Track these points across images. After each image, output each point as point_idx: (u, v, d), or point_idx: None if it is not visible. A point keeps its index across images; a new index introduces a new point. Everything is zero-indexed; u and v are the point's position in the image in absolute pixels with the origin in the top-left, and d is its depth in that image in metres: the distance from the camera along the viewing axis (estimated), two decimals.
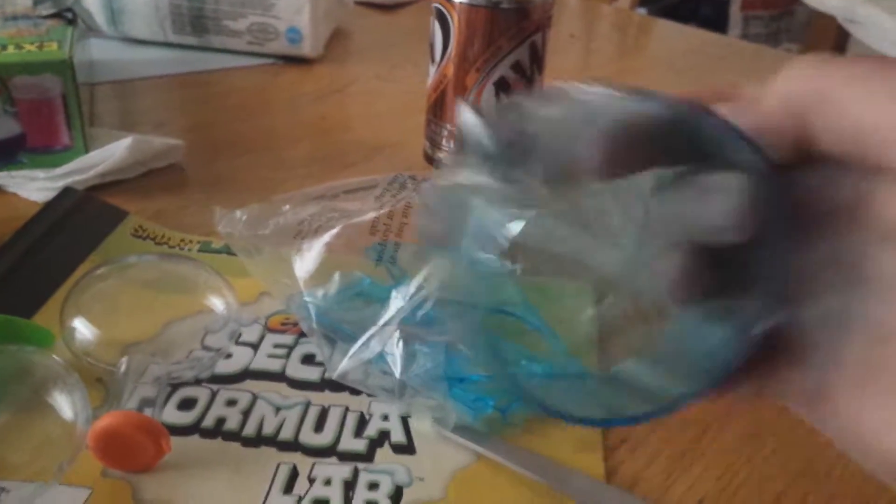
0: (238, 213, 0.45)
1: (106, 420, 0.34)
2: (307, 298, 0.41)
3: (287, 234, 0.43)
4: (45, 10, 0.65)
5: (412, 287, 0.39)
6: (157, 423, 0.35)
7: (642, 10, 1.84)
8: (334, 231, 0.42)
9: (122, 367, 0.37)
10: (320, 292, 0.41)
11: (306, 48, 0.84)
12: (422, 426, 0.38)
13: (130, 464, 0.35)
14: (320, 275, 0.41)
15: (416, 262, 0.41)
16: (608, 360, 0.43)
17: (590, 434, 0.39)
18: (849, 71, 0.18)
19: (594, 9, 1.40)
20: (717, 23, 2.26)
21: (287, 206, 0.45)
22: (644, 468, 0.38)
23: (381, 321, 0.39)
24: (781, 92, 0.19)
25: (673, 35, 1.21)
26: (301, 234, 0.43)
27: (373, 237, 0.42)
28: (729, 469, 0.38)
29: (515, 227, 0.23)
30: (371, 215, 0.43)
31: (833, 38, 2.32)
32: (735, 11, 2.48)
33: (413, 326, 0.38)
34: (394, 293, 0.39)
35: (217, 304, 0.42)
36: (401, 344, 0.38)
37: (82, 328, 0.39)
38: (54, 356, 0.36)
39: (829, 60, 0.19)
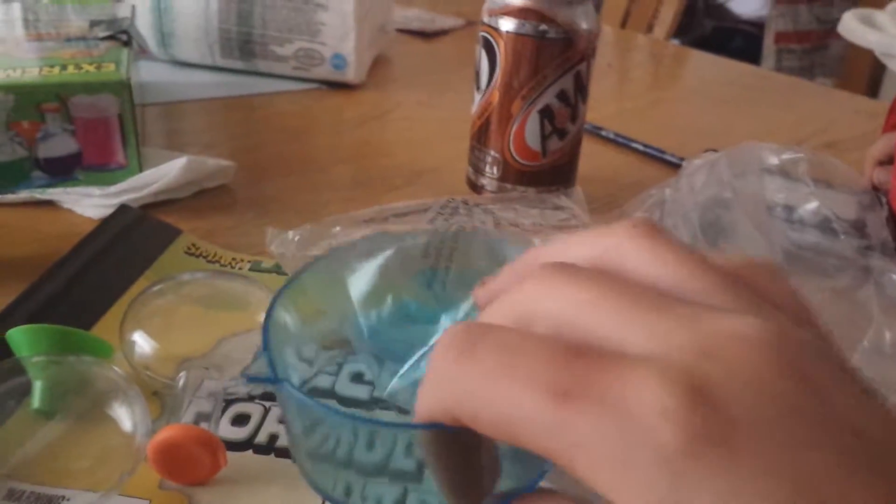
0: (290, 234, 0.46)
1: (165, 433, 0.35)
2: (361, 319, 0.41)
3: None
4: (102, 32, 0.68)
5: (461, 311, 0.39)
6: (214, 437, 0.35)
7: (675, 42, 1.85)
8: (388, 253, 0.42)
9: (181, 381, 0.38)
10: (373, 314, 0.42)
11: (350, 74, 0.85)
12: None
13: (188, 477, 0.35)
14: (373, 297, 0.42)
15: (465, 287, 0.42)
16: None
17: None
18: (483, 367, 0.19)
19: (629, 38, 1.41)
20: (750, 55, 2.26)
21: (338, 228, 0.46)
22: None
23: (432, 341, 0.39)
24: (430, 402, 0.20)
25: (707, 66, 1.22)
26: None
27: (425, 261, 0.43)
28: None
29: None
30: (424, 239, 0.44)
31: (868, 73, 2.31)
32: (769, 44, 2.48)
33: None
34: (443, 317, 0.40)
35: None
36: None
37: (141, 342, 0.40)
38: (115, 368, 0.37)
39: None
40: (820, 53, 2.54)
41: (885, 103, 1.01)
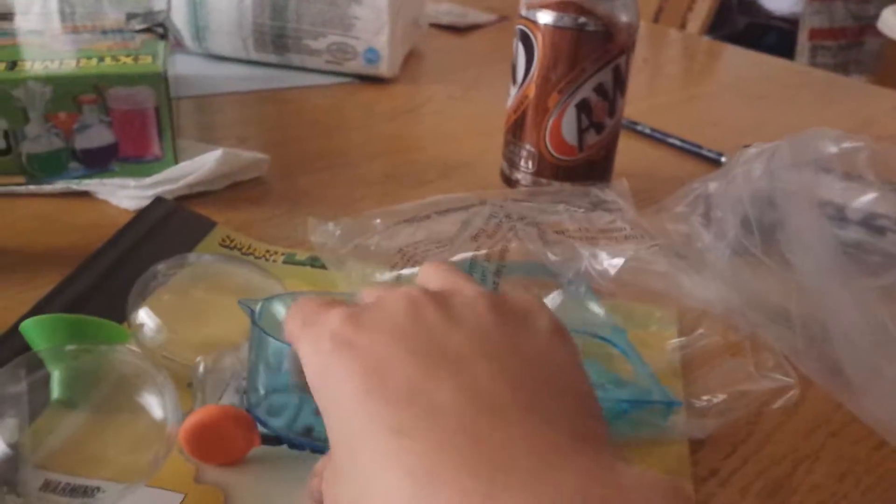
0: (331, 226, 0.46)
1: (196, 415, 0.35)
2: None
3: (386, 260, 0.44)
4: (138, 24, 0.68)
5: None
6: (245, 414, 0.35)
7: (708, 38, 1.83)
8: None
9: (201, 366, 0.37)
10: None
11: (383, 68, 0.85)
12: None
13: (222, 457, 0.35)
14: None
15: None
16: (693, 391, 0.42)
17: (679, 464, 0.38)
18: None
19: (663, 33, 1.39)
20: (783, 51, 2.23)
21: (378, 221, 0.45)
22: (735, 502, 0.37)
23: None
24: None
25: (742, 61, 1.20)
26: (397, 265, 0.44)
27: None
28: None
29: None
30: (469, 255, 0.43)
31: None
32: (803, 40, 2.44)
33: None
34: None
35: None
36: None
37: (152, 323, 0.40)
38: (138, 353, 0.37)
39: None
40: (855, 50, 2.49)
41: None
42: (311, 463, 0.35)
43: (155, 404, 0.35)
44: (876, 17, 1.91)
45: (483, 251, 0.45)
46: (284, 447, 0.37)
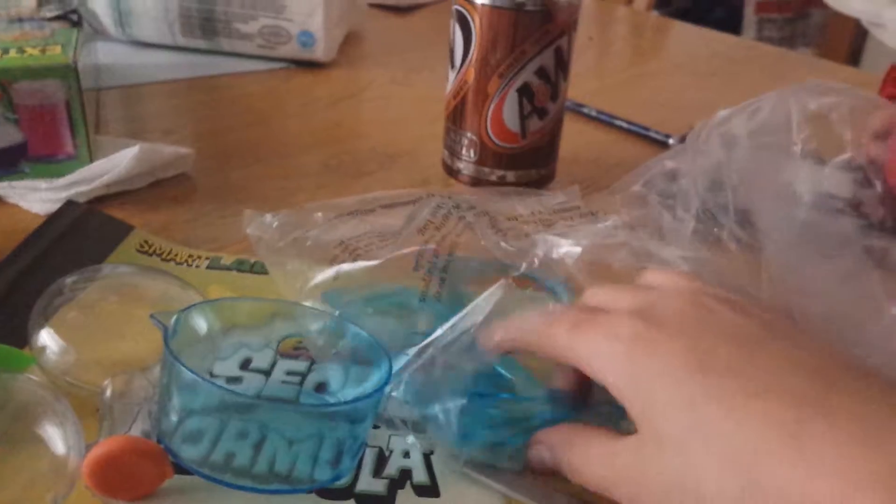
0: (269, 217, 0.44)
1: (101, 447, 0.31)
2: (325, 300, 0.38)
3: (325, 253, 0.42)
4: (50, 11, 0.63)
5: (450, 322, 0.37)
6: (156, 445, 0.32)
7: (655, 13, 1.81)
8: (374, 263, 0.40)
9: (108, 390, 0.34)
10: (345, 297, 0.39)
11: (319, 52, 0.81)
12: (446, 464, 0.35)
13: (131, 491, 0.32)
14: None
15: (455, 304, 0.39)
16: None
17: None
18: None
19: (610, 10, 1.37)
20: (731, 25, 2.23)
21: (319, 214, 0.43)
22: None
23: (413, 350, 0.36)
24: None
25: (691, 38, 1.18)
26: (337, 258, 0.41)
27: (417, 273, 0.40)
28: None
29: None
30: (414, 249, 0.41)
31: (849, 42, 2.29)
32: (749, 14, 2.44)
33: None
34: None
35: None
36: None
37: (54, 344, 0.36)
38: (36, 380, 0.33)
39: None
40: (801, 23, 2.51)
41: (869, 73, 0.98)
42: (229, 493, 0.32)
43: (56, 437, 0.32)
44: None
45: (431, 245, 0.43)
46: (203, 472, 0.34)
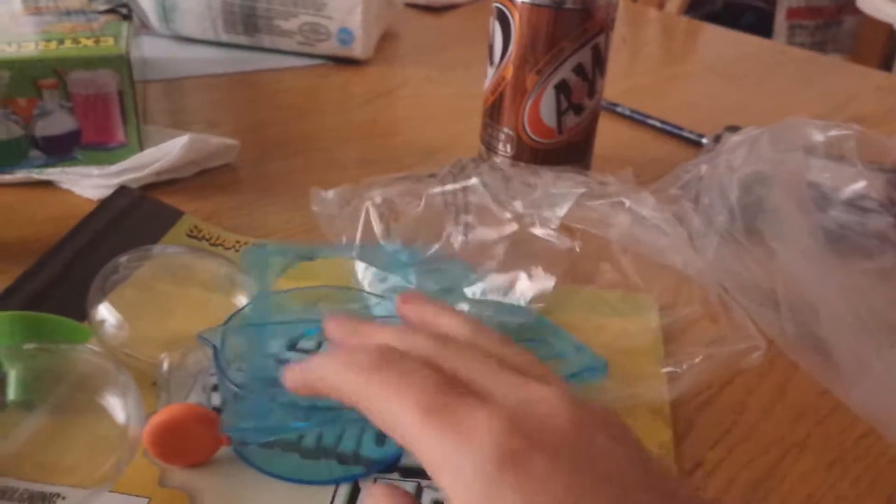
0: (331, 193, 0.48)
1: (161, 415, 0.33)
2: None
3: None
4: (101, 5, 0.65)
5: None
6: (212, 413, 0.34)
7: (685, 17, 1.81)
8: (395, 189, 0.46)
9: (165, 363, 0.36)
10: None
11: (357, 49, 0.83)
12: None
13: (189, 458, 0.34)
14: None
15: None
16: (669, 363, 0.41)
17: (663, 457, 0.37)
18: None
19: (641, 13, 1.38)
20: (761, 31, 2.22)
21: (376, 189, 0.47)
22: (721, 494, 0.36)
23: None
24: None
25: (721, 41, 1.18)
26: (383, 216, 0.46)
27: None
28: (812, 497, 0.36)
29: None
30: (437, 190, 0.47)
31: (881, 49, 2.27)
32: (780, 20, 2.43)
33: None
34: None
35: None
36: None
37: (114, 320, 0.38)
38: (99, 352, 0.35)
39: None
40: (833, 29, 2.49)
41: None
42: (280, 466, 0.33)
43: (117, 406, 0.33)
44: None
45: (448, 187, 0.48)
46: (253, 446, 0.35)
